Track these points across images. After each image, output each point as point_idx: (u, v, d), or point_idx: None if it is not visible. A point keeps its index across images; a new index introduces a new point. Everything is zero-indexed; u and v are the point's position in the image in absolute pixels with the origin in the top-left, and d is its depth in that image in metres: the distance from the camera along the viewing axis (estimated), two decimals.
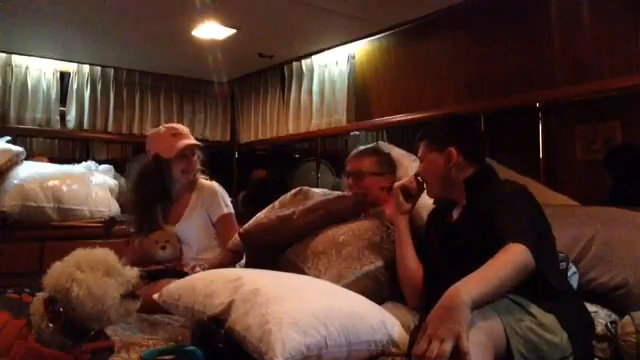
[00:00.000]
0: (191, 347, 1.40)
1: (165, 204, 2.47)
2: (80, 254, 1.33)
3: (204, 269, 2.13)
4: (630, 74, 2.32)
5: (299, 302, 1.42)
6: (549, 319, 1.34)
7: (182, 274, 2.10)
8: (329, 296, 1.56)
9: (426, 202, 1.89)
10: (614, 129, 2.47)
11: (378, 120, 3.51)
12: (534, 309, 1.34)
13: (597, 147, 2.51)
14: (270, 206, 2.41)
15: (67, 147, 4.54)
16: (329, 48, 3.73)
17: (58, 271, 1.28)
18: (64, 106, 4.09)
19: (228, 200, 2.52)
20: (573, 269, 1.88)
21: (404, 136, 3.48)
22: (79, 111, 4.11)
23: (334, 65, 3.77)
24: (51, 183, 3.24)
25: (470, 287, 1.20)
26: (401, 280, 1.77)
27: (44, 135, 4.19)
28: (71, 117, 4.08)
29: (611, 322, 1.68)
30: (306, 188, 2.43)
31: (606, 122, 2.49)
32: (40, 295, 1.31)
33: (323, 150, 4.40)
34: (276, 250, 2.09)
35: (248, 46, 3.71)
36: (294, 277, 1.77)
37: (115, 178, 3.74)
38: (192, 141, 2.47)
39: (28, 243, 3.14)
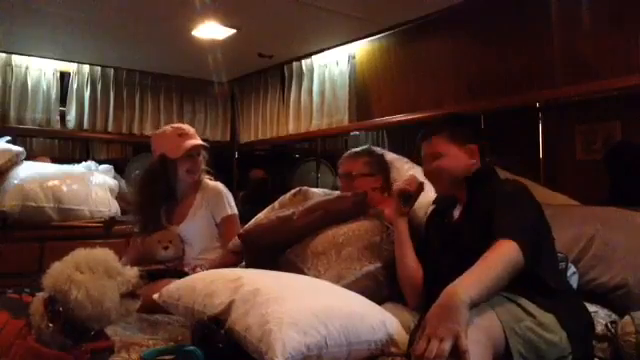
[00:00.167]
0: (191, 347, 1.40)
1: (169, 204, 2.48)
2: (79, 254, 1.33)
3: (205, 269, 2.13)
4: (630, 74, 2.32)
5: (299, 302, 1.42)
6: (548, 318, 1.34)
7: (183, 274, 2.10)
8: (329, 296, 1.56)
9: (423, 201, 1.89)
10: (614, 129, 2.47)
11: (378, 120, 3.51)
12: (533, 308, 1.34)
13: (597, 147, 2.50)
14: (270, 207, 2.42)
15: (67, 147, 4.54)
16: (329, 48, 3.73)
17: (57, 271, 1.28)
18: (64, 106, 4.09)
19: (232, 201, 2.52)
20: (572, 269, 1.88)
21: (404, 136, 3.48)
22: (79, 111, 4.11)
23: (334, 65, 3.77)
24: (51, 183, 3.24)
25: (467, 286, 1.20)
26: (401, 280, 1.77)
27: (44, 135, 4.19)
28: (71, 117, 4.08)
29: (611, 322, 1.68)
30: (305, 188, 2.43)
31: (606, 122, 2.49)
32: (40, 295, 1.31)
33: (323, 150, 4.40)
34: (276, 251, 2.09)
35: (248, 46, 3.71)
36: (294, 277, 1.78)
37: (115, 178, 3.73)
38: (198, 141, 2.48)
39: (28, 243, 3.14)
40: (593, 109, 2.54)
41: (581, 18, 2.49)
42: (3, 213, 3.06)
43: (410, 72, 3.34)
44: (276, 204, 2.41)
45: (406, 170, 2.24)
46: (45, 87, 3.96)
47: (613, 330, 1.64)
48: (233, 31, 3.36)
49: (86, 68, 4.13)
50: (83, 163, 3.69)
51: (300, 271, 1.91)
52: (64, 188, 3.27)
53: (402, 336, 1.49)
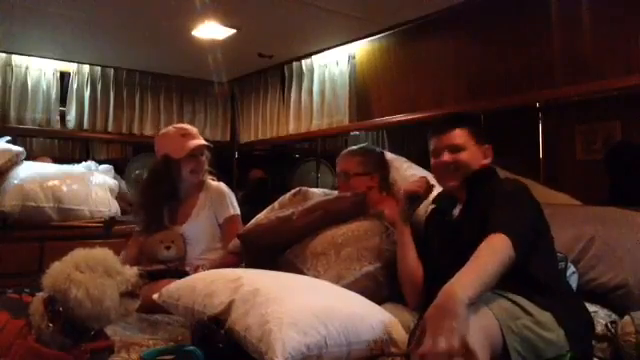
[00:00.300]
0: (191, 347, 1.40)
1: (172, 204, 2.48)
2: (79, 254, 1.33)
3: (206, 269, 2.13)
4: (630, 74, 2.32)
5: (299, 302, 1.42)
6: (545, 317, 1.34)
7: (183, 274, 2.10)
8: (329, 296, 1.56)
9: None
10: (614, 129, 2.47)
11: (378, 120, 3.50)
12: (530, 307, 1.34)
13: (597, 147, 2.50)
14: (270, 207, 2.41)
15: (67, 147, 4.53)
16: (329, 48, 3.73)
17: (57, 271, 1.28)
18: (64, 106, 4.09)
19: (235, 202, 2.53)
20: (572, 269, 1.88)
21: (404, 136, 3.48)
22: (79, 111, 4.11)
23: (334, 65, 3.77)
24: (51, 183, 3.23)
25: (464, 284, 1.20)
26: (401, 280, 1.77)
27: (44, 135, 4.19)
28: (71, 117, 4.08)
29: (611, 322, 1.68)
30: (305, 188, 2.43)
31: (606, 122, 2.49)
32: (40, 295, 1.31)
33: (323, 150, 4.40)
34: (275, 251, 2.08)
35: (248, 46, 3.71)
36: (294, 277, 1.78)
37: (115, 178, 3.73)
38: (201, 141, 2.48)
39: (28, 243, 3.13)
40: (593, 109, 2.54)
41: (581, 18, 2.49)
42: (3, 213, 3.05)
43: (410, 72, 3.34)
44: (276, 204, 2.41)
45: (405, 169, 2.24)
46: (45, 87, 3.96)
47: (613, 330, 1.64)
48: (233, 31, 3.36)
49: (86, 68, 4.13)
50: (83, 163, 3.69)
51: (299, 272, 1.91)
52: (64, 188, 3.27)
53: (402, 336, 1.49)
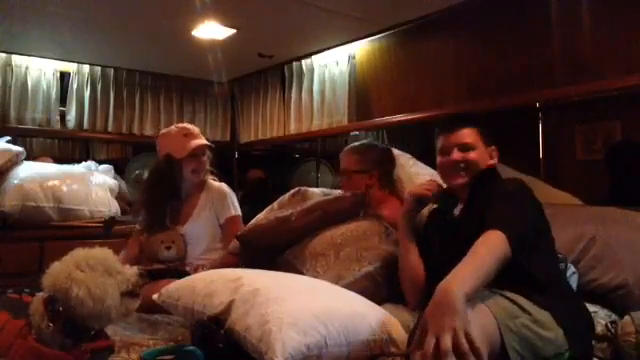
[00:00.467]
0: (191, 347, 1.40)
1: (174, 204, 2.48)
2: (79, 254, 1.33)
3: (207, 270, 2.13)
4: (630, 74, 2.32)
5: (299, 302, 1.42)
6: (544, 315, 1.35)
7: (183, 274, 2.10)
8: (329, 296, 1.56)
9: None
10: (614, 129, 2.46)
11: (378, 120, 3.50)
12: (529, 306, 1.34)
13: (597, 147, 2.50)
14: (269, 207, 2.41)
15: (67, 147, 4.53)
16: (329, 48, 3.73)
17: (57, 271, 1.28)
18: (64, 106, 4.09)
19: (236, 202, 2.53)
20: (572, 269, 1.88)
21: (404, 136, 3.48)
22: (79, 111, 4.11)
23: (334, 65, 3.77)
24: (51, 183, 3.23)
25: (460, 280, 1.19)
26: (403, 280, 1.76)
27: (44, 135, 4.19)
28: (71, 117, 4.08)
29: (611, 322, 1.68)
30: (304, 188, 2.42)
31: (606, 122, 2.49)
32: (40, 295, 1.31)
33: (323, 150, 4.39)
34: (274, 252, 2.08)
35: (248, 46, 3.71)
36: (294, 277, 1.77)
37: (115, 178, 3.73)
38: (203, 141, 2.48)
39: (28, 243, 3.13)
40: (593, 109, 2.54)
41: (581, 18, 2.49)
42: (3, 213, 3.05)
43: (410, 72, 3.34)
44: (275, 205, 2.40)
45: (410, 166, 2.23)
46: (45, 87, 3.96)
47: (613, 330, 1.64)
48: (233, 31, 3.36)
49: (86, 68, 4.14)
50: (83, 163, 3.69)
51: (299, 272, 1.91)
52: (64, 188, 3.27)
53: (402, 336, 1.49)
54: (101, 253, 1.34)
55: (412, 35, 3.29)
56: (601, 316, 1.72)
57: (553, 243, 1.59)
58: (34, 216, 3.14)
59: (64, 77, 4.09)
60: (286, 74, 4.16)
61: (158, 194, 2.45)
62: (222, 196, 2.48)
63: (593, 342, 1.55)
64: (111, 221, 3.40)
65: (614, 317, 1.73)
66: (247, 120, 4.62)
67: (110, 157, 4.61)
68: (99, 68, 4.17)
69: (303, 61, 3.99)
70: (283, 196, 2.43)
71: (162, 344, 1.55)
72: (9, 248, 3.05)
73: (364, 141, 2.46)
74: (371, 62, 3.60)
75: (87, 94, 4.13)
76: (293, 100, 4.08)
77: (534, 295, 1.37)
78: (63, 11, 3.07)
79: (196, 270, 2.18)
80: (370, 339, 1.43)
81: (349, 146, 2.37)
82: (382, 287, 1.83)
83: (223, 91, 4.68)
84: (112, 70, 4.22)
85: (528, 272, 1.40)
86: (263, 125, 4.41)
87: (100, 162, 3.86)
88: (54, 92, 4.00)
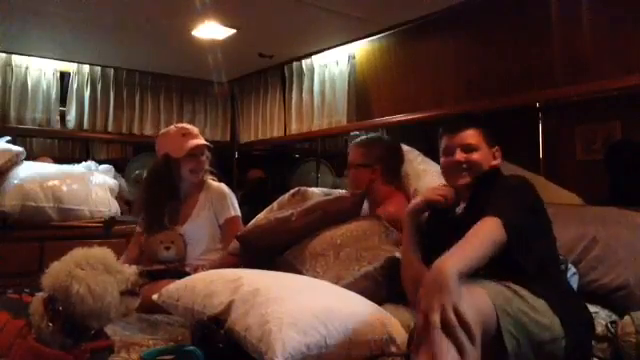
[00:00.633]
0: (191, 347, 1.40)
1: (173, 204, 2.48)
2: (79, 253, 1.33)
3: (206, 270, 2.13)
4: (630, 74, 2.32)
5: (299, 302, 1.42)
6: (539, 303, 1.36)
7: (183, 274, 2.10)
8: (329, 296, 1.56)
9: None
10: (614, 129, 2.46)
11: (378, 120, 3.50)
12: (525, 292, 1.36)
13: (597, 147, 2.50)
14: (269, 207, 2.41)
15: (67, 147, 4.54)
16: (329, 48, 3.73)
17: (57, 270, 1.29)
18: (64, 106, 4.09)
19: (236, 203, 2.53)
20: (573, 270, 1.88)
21: (404, 136, 3.47)
22: (79, 111, 4.11)
23: (334, 65, 3.77)
24: (51, 183, 3.23)
25: (454, 259, 1.22)
26: (404, 278, 1.75)
27: (44, 135, 4.19)
28: (71, 117, 4.09)
29: (611, 322, 1.68)
30: (304, 188, 2.43)
31: (606, 122, 2.49)
32: (40, 295, 1.31)
33: (323, 150, 4.40)
34: (274, 253, 2.08)
35: (248, 46, 3.71)
36: (294, 277, 1.78)
37: (115, 178, 3.73)
38: (201, 141, 2.48)
39: (28, 243, 3.13)
40: (593, 109, 2.54)
41: (581, 18, 2.49)
42: (3, 213, 3.05)
43: (410, 72, 3.34)
44: (275, 205, 2.40)
45: (418, 163, 2.23)
46: (45, 87, 3.96)
47: (613, 330, 1.64)
48: (233, 31, 3.36)
49: (86, 68, 4.14)
50: (83, 163, 3.69)
51: (299, 273, 1.91)
52: (64, 188, 3.27)
53: (402, 336, 1.49)
54: (100, 252, 1.35)
55: (412, 35, 3.29)
56: (602, 317, 1.72)
57: (554, 242, 1.59)
58: (34, 216, 3.14)
59: (64, 77, 4.09)
60: (286, 74, 4.15)
61: (156, 194, 2.45)
62: (221, 196, 2.48)
63: (593, 342, 1.55)
64: (111, 221, 3.40)
65: (614, 317, 1.73)
66: (247, 120, 4.62)
67: (110, 157, 4.61)
68: (99, 68, 4.17)
69: (303, 61, 3.99)
70: (283, 196, 2.43)
71: (162, 344, 1.55)
72: (9, 248, 3.05)
73: (372, 134, 2.47)
74: (371, 62, 3.60)
75: (87, 94, 4.13)
76: (293, 100, 4.07)
77: (530, 284, 1.39)
78: (63, 11, 3.07)
79: (195, 270, 2.18)
80: (370, 339, 1.43)
81: (357, 139, 2.37)
82: (382, 287, 1.82)
83: (223, 91, 4.68)
84: (112, 70, 4.23)
85: (525, 263, 1.41)
86: (263, 125, 4.40)
87: (100, 162, 3.86)
88: (54, 92, 4.00)
